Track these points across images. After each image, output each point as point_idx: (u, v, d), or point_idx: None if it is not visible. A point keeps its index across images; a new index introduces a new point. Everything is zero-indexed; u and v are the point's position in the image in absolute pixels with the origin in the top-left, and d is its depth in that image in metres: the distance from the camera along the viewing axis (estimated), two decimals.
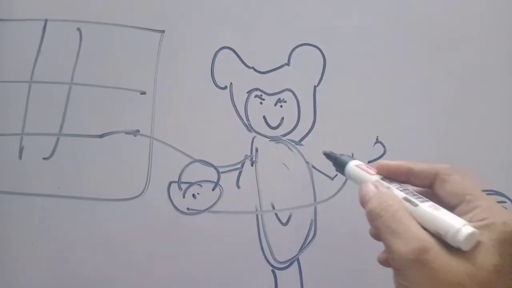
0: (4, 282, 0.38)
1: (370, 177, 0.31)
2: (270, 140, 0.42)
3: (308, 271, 0.41)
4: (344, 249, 0.42)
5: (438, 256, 0.26)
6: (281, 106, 0.43)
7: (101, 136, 0.40)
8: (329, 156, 0.35)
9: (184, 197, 0.40)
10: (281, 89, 0.43)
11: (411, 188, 0.31)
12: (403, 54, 0.43)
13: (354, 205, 0.41)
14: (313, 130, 0.43)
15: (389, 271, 0.42)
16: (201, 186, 0.41)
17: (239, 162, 0.42)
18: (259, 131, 0.42)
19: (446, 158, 0.42)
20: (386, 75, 0.43)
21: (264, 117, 0.42)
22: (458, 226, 0.26)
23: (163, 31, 0.41)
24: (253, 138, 0.42)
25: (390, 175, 0.31)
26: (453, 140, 0.42)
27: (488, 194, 0.44)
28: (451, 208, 0.29)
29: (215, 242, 0.40)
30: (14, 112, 0.39)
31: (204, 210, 0.40)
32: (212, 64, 0.42)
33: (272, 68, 0.43)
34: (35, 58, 0.40)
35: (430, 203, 0.28)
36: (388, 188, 0.30)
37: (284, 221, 0.41)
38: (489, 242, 0.26)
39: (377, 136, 0.43)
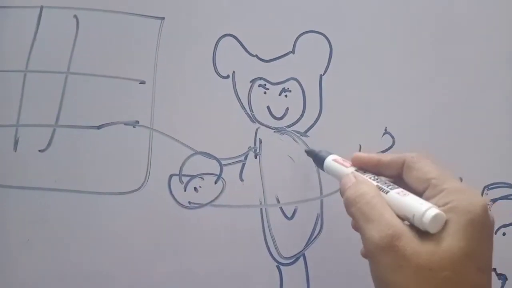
0: None
1: (346, 169, 0.33)
2: (274, 131, 0.41)
3: (314, 267, 0.39)
4: (351, 244, 0.40)
5: (409, 242, 0.26)
6: (285, 96, 0.41)
7: (99, 127, 0.38)
8: (309, 153, 0.37)
9: (185, 191, 0.39)
10: (286, 78, 0.41)
11: (383, 178, 0.31)
12: (413, 42, 0.41)
13: None
14: (319, 120, 0.41)
15: None
16: (203, 179, 0.39)
17: (242, 154, 0.40)
18: (263, 122, 0.40)
19: (456, 149, 0.41)
20: (395, 64, 0.41)
21: (268, 107, 0.41)
22: (423, 209, 0.26)
23: (163, 18, 0.40)
24: (257, 129, 0.40)
25: (364, 167, 0.33)
26: (464, 131, 0.41)
27: (498, 187, 0.43)
28: (419, 194, 0.29)
29: (218, 237, 0.38)
30: (9, 102, 0.37)
31: (206, 204, 0.39)
32: (214, 52, 0.40)
33: (277, 56, 0.41)
34: (30, 46, 0.38)
35: (400, 189, 0.29)
36: (363, 178, 0.31)
37: (289, 215, 0.40)
38: (456, 225, 0.26)
39: (386, 127, 0.41)
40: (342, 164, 0.33)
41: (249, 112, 0.40)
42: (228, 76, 0.41)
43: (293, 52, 0.41)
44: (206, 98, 0.40)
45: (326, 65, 0.41)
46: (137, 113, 0.39)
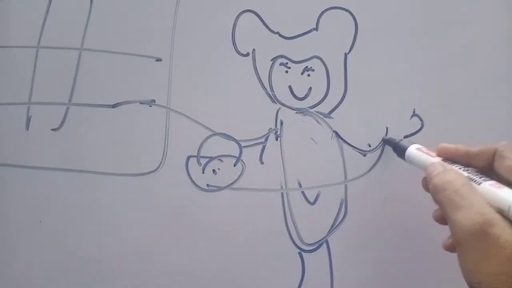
0: (8, 258, 0.36)
1: (432, 159, 0.32)
2: (296, 112, 0.39)
3: (338, 254, 0.38)
4: (376, 232, 0.38)
5: (502, 230, 0.25)
6: (308, 75, 0.39)
7: (113, 106, 0.37)
8: (388, 141, 0.37)
9: (203, 173, 0.37)
10: (309, 57, 0.39)
11: (473, 169, 0.30)
12: (442, 19, 0.39)
13: (389, 184, 0.38)
14: (343, 101, 0.39)
15: (424, 258, 0.39)
16: (222, 161, 0.38)
17: (263, 136, 0.38)
18: (284, 102, 0.38)
19: (488, 132, 0.38)
20: (424, 42, 0.39)
21: (289, 87, 0.39)
22: None
23: None
24: (278, 110, 0.38)
25: (451, 158, 0.32)
26: (496, 113, 0.39)
27: None
28: None
29: (237, 221, 0.37)
30: (21, 79, 0.36)
31: (225, 187, 0.37)
32: (233, 29, 0.38)
33: (299, 33, 0.39)
34: (42, 21, 0.37)
35: (493, 181, 0.28)
36: (452, 168, 0.31)
37: (311, 200, 0.38)
38: None
39: (414, 109, 0.39)
40: (429, 154, 0.33)
41: (270, 92, 0.38)
42: (248, 54, 0.39)
43: (316, 29, 0.39)
44: (225, 77, 0.38)
45: (351, 43, 0.39)
46: (153, 92, 0.37)
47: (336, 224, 0.38)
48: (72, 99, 0.36)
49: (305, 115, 0.39)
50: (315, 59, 0.39)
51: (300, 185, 0.38)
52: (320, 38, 0.39)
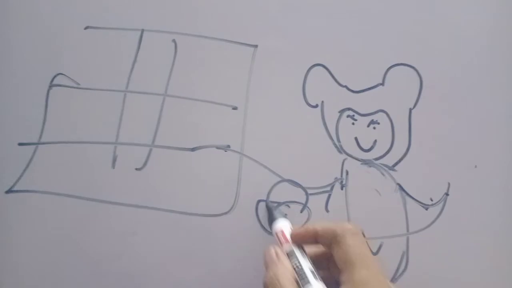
0: None
1: (285, 245, 0.33)
2: (361, 164, 0.40)
3: None
4: (437, 285, 0.39)
5: None
6: (374, 128, 0.41)
7: (192, 149, 0.39)
8: (267, 205, 0.38)
9: None
10: (375, 110, 0.41)
11: (310, 262, 0.31)
12: (507, 78, 0.40)
13: (450, 238, 0.39)
14: (407, 155, 0.40)
15: None
16: (289, 206, 0.39)
17: (329, 185, 0.40)
18: (350, 153, 0.40)
19: None
20: (487, 101, 0.40)
21: (356, 138, 0.41)
22: None
23: (256, 46, 0.41)
24: (344, 160, 0.40)
25: (302, 241, 0.33)
26: None
27: None
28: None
29: None
30: (109, 120, 0.39)
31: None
32: (304, 81, 0.41)
33: (366, 87, 0.41)
34: (131, 67, 0.40)
35: (316, 284, 0.29)
36: (291, 257, 0.31)
37: (374, 250, 0.39)
38: None
39: (476, 165, 0.40)
40: (281, 240, 0.33)
41: (337, 143, 0.40)
42: (317, 106, 0.41)
43: (382, 84, 0.41)
44: (294, 126, 0.40)
45: (416, 98, 0.41)
46: (228, 138, 0.39)
47: (397, 275, 0.39)
48: (155, 141, 0.39)
49: (370, 166, 0.40)
50: (380, 113, 0.41)
51: (363, 235, 0.39)
52: (386, 93, 0.41)
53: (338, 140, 0.41)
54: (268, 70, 0.41)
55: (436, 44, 0.41)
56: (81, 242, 0.38)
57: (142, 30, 0.41)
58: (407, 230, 0.39)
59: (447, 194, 0.40)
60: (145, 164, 0.39)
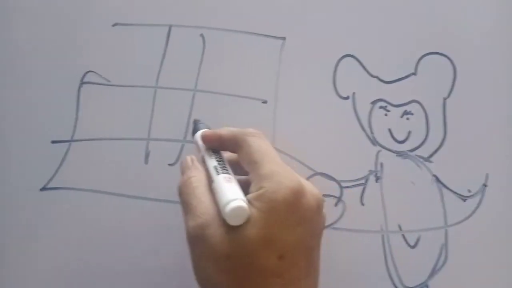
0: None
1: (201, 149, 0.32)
2: (396, 155, 0.39)
3: None
4: (477, 278, 0.38)
5: (215, 230, 0.26)
6: (407, 119, 0.40)
7: None
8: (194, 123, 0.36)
9: None
10: (408, 101, 0.40)
11: (227, 159, 0.31)
12: None
13: (490, 230, 0.37)
14: (443, 146, 0.39)
15: None
16: (323, 200, 0.39)
17: (363, 178, 0.39)
18: (384, 145, 0.39)
19: None
20: None
21: (389, 130, 0.40)
22: (225, 201, 0.25)
23: (284, 38, 0.40)
24: (378, 152, 0.39)
25: (212, 145, 0.32)
26: None
27: None
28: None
29: (339, 261, 0.37)
30: (140, 116, 0.39)
31: (326, 226, 0.38)
32: (334, 73, 0.40)
33: (398, 77, 0.40)
34: (160, 63, 0.40)
35: (227, 175, 0.28)
36: (204, 162, 0.30)
37: (412, 243, 0.38)
38: (259, 213, 0.25)
39: None
40: (198, 147, 0.32)
41: (370, 134, 0.40)
42: (348, 97, 0.40)
43: (415, 73, 0.40)
44: (326, 119, 0.39)
45: (450, 88, 0.40)
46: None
47: (437, 268, 0.38)
48: (186, 136, 0.39)
49: (405, 158, 0.39)
50: (414, 103, 0.40)
51: (400, 228, 0.38)
52: (419, 83, 0.40)
53: (372, 132, 0.40)
54: (297, 63, 0.40)
55: (470, 32, 0.40)
56: (116, 238, 0.38)
57: (170, 26, 0.41)
58: (445, 222, 0.38)
59: (485, 185, 0.39)
60: (177, 159, 0.38)
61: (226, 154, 0.33)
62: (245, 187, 0.28)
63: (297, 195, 0.26)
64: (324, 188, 0.39)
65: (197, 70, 0.40)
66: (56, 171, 0.39)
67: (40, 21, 0.40)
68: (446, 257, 0.38)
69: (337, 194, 0.38)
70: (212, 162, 0.30)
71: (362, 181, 0.39)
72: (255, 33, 0.40)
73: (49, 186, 0.39)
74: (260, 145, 0.29)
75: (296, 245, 0.26)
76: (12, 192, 0.39)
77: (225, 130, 0.32)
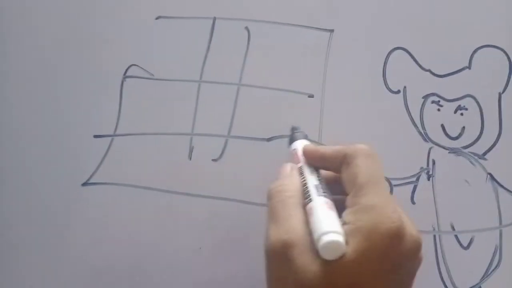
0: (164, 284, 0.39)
1: (299, 159, 0.31)
2: (449, 152, 0.38)
3: None
4: None
5: (301, 254, 0.24)
6: (461, 114, 0.38)
7: (268, 139, 0.38)
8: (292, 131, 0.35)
9: None
10: (462, 95, 0.38)
11: (324, 179, 0.28)
12: None
13: None
14: (498, 142, 0.37)
15: None
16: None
17: (414, 175, 0.37)
18: (436, 141, 0.38)
19: None
20: None
21: (442, 125, 0.38)
22: (320, 232, 0.23)
23: (332, 30, 0.39)
24: (430, 149, 0.38)
25: (311, 161, 0.30)
26: None
27: None
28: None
29: None
30: (184, 111, 0.38)
31: None
32: (384, 66, 0.38)
33: (451, 71, 0.38)
34: (204, 57, 0.39)
35: (328, 201, 0.26)
36: (302, 174, 0.29)
37: (465, 244, 0.37)
38: (352, 252, 0.23)
39: None
40: (295, 159, 0.31)
41: (422, 130, 0.38)
42: (399, 91, 0.39)
43: (469, 67, 0.38)
44: (375, 114, 0.38)
45: (505, 82, 0.38)
46: (305, 127, 0.37)
47: (490, 271, 0.37)
48: (231, 131, 0.38)
49: (459, 155, 0.38)
50: (468, 98, 0.38)
51: (453, 228, 0.37)
52: (473, 77, 0.38)
53: (423, 128, 0.38)
54: (346, 56, 0.39)
55: None
56: (159, 234, 0.38)
57: (214, 18, 0.40)
58: (500, 222, 0.37)
59: None
60: (221, 154, 0.38)
61: (324, 172, 0.31)
62: (338, 208, 0.26)
63: (396, 239, 0.23)
64: None
65: (242, 64, 0.39)
66: (98, 166, 0.39)
67: (83, 15, 0.40)
68: (500, 259, 0.36)
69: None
70: (313, 180, 0.28)
71: (413, 179, 0.37)
72: (301, 25, 0.39)
73: (91, 181, 0.39)
74: (369, 167, 0.26)
75: None
76: (54, 187, 0.39)
77: (329, 149, 0.29)
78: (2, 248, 0.39)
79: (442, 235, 0.37)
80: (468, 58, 0.38)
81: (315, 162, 0.30)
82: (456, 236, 0.37)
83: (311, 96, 0.39)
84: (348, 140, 0.37)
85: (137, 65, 0.39)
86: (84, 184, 0.39)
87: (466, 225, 0.37)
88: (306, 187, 0.27)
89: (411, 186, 0.37)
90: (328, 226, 0.23)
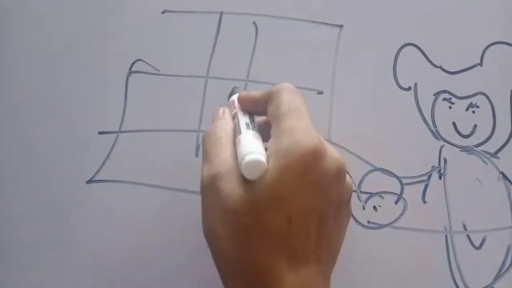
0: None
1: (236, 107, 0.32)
2: (461, 150, 0.37)
3: None
4: None
5: (228, 183, 0.25)
6: (473, 112, 0.38)
7: None
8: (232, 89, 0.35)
9: (364, 209, 0.36)
10: (473, 92, 0.37)
11: (256, 119, 0.30)
12: None
13: None
14: (510, 141, 0.37)
15: None
16: (383, 197, 0.37)
17: (425, 174, 0.37)
18: (448, 139, 0.37)
19: None
20: None
21: (453, 123, 0.37)
22: (243, 154, 0.25)
23: (342, 26, 0.38)
24: (441, 147, 0.37)
25: (244, 105, 0.31)
26: None
27: None
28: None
29: (399, 262, 0.35)
30: (191, 107, 0.37)
31: (386, 225, 0.36)
32: (394, 63, 0.38)
33: (463, 68, 0.38)
34: (211, 52, 0.38)
35: (256, 133, 0.27)
36: (235, 118, 0.30)
37: (477, 244, 0.36)
38: (272, 170, 0.24)
39: None
40: (231, 107, 0.32)
41: (433, 128, 0.37)
42: (409, 88, 0.38)
43: (481, 64, 0.38)
44: (385, 111, 0.37)
45: None
46: (314, 124, 0.36)
47: (502, 271, 0.36)
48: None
49: (470, 153, 0.37)
50: (480, 95, 0.38)
51: (465, 227, 0.36)
52: (485, 74, 0.37)
53: (435, 125, 0.37)
54: (355, 52, 0.38)
55: None
56: (165, 232, 0.37)
57: (221, 13, 0.39)
58: None
59: None
60: None
61: (258, 119, 0.32)
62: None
63: (315, 156, 0.24)
64: (383, 184, 0.37)
65: (249, 60, 0.38)
66: (103, 163, 0.38)
67: (88, 9, 0.39)
68: None
69: (398, 191, 0.36)
70: (245, 119, 0.29)
71: (425, 178, 0.37)
72: (310, 21, 0.38)
73: (95, 178, 0.38)
74: (291, 100, 0.27)
75: (307, 210, 0.24)
76: (58, 185, 0.38)
77: (259, 92, 0.30)
78: (7, 244, 0.38)
79: (454, 235, 0.36)
80: (480, 55, 0.38)
81: (248, 106, 0.31)
82: (468, 236, 0.36)
83: (320, 92, 0.38)
84: (358, 137, 0.37)
85: (143, 60, 0.38)
86: (89, 181, 0.38)
87: (478, 225, 0.36)
88: (238, 125, 0.29)
89: (422, 185, 0.36)
90: (251, 148, 0.25)
